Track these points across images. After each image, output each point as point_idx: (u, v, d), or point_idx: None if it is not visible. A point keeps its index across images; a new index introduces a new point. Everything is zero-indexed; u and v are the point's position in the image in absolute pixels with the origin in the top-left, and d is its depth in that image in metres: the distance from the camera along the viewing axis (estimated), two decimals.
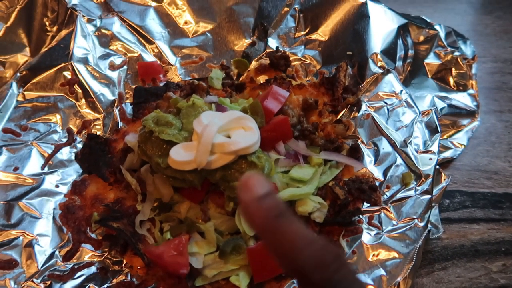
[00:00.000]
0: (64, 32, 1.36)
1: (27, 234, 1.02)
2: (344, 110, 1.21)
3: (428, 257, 1.05)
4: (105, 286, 0.97)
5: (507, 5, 1.67)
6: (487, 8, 1.67)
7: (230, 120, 1.00)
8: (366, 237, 1.00)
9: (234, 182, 0.97)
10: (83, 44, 1.32)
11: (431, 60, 1.38)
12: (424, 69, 1.37)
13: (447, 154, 1.23)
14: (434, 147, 1.13)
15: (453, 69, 1.38)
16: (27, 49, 1.37)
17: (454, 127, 1.28)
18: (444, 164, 1.22)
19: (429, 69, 1.37)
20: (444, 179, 1.14)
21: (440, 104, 1.27)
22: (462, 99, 1.34)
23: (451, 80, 1.37)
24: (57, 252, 1.01)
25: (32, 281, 0.96)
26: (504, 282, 1.01)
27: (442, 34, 1.42)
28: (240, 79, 1.35)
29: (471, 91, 1.36)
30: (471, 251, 1.07)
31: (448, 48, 1.39)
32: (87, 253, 1.03)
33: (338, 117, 1.21)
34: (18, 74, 1.26)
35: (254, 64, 1.36)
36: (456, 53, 1.39)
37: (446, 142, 1.25)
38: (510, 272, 1.03)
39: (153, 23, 1.40)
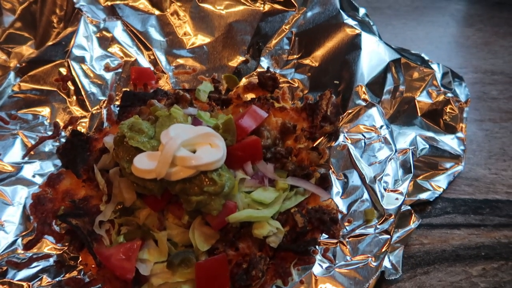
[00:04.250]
0: (68, 30, 1.42)
1: None
2: (322, 138, 1.21)
3: (410, 262, 1.08)
4: (57, 279, 1.00)
5: (488, 18, 1.73)
6: (469, 21, 1.74)
7: (198, 135, 1.02)
8: (317, 268, 1.00)
9: (193, 196, 0.98)
10: (83, 44, 1.38)
11: (423, 99, 1.36)
12: (415, 107, 1.35)
13: (424, 196, 1.21)
14: (403, 187, 1.11)
15: (445, 110, 1.35)
16: (33, 42, 1.44)
17: (435, 169, 1.25)
18: (417, 206, 1.20)
19: (419, 107, 1.36)
20: (413, 222, 1.12)
21: (421, 145, 1.26)
22: (450, 141, 1.31)
23: (441, 121, 1.34)
24: (19, 240, 1.05)
25: None
26: (484, 286, 1.03)
27: (438, 74, 1.40)
28: (228, 94, 1.37)
29: (460, 134, 1.34)
30: (452, 256, 1.09)
31: (442, 89, 1.37)
32: (48, 245, 1.06)
33: (315, 145, 1.21)
34: (18, 65, 1.33)
35: (244, 81, 1.38)
36: (449, 94, 1.37)
37: (425, 183, 1.23)
38: (490, 276, 1.05)
39: (153, 30, 1.45)
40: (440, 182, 1.24)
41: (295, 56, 1.39)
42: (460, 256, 1.09)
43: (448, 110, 1.36)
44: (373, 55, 1.31)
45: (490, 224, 1.16)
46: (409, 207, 1.14)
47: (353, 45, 1.32)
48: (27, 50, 1.43)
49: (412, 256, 1.09)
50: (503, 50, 1.62)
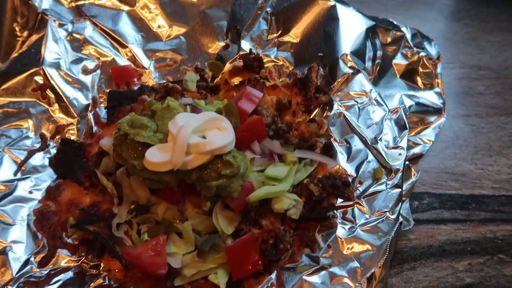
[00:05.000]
0: (34, 37, 1.34)
1: (1, 242, 1.00)
2: (316, 110, 1.25)
3: (397, 257, 1.08)
4: None
5: (475, 13, 1.75)
6: (456, 16, 1.75)
7: (205, 121, 1.02)
8: (341, 231, 1.03)
9: (211, 182, 0.98)
10: (55, 49, 1.31)
11: (399, 61, 1.43)
12: (393, 69, 1.42)
13: (416, 150, 1.28)
14: (403, 143, 1.17)
15: (420, 68, 1.43)
16: None
17: (422, 124, 1.33)
18: (413, 160, 1.27)
19: (397, 69, 1.42)
20: (414, 174, 1.18)
21: (408, 102, 1.33)
22: (429, 97, 1.39)
23: (418, 79, 1.42)
24: (32, 259, 1.00)
25: None
26: (470, 281, 1.05)
27: (408, 36, 1.47)
28: (215, 81, 1.37)
29: (437, 89, 1.42)
30: (439, 251, 1.10)
31: (415, 49, 1.45)
32: (64, 258, 1.02)
33: (311, 117, 1.24)
34: None
35: (228, 66, 1.38)
36: (422, 54, 1.45)
37: (415, 138, 1.30)
38: (476, 271, 1.07)
39: (126, 27, 1.41)
40: (428, 135, 1.32)
41: (274, 35, 1.41)
42: (446, 252, 1.10)
43: (423, 68, 1.44)
44: (351, 24, 1.36)
45: (476, 219, 1.16)
46: (407, 162, 1.20)
47: (330, 17, 1.36)
48: None
49: (399, 252, 1.09)
50: (490, 45, 1.63)
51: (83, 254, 1.03)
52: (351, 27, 1.35)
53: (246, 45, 1.40)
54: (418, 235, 1.13)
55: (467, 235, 1.14)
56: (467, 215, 1.18)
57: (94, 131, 1.24)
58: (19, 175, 1.13)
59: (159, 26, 1.42)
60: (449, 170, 1.27)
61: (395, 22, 1.51)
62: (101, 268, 1.01)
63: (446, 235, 1.13)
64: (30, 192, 1.11)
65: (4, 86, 1.24)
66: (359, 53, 1.33)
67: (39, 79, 1.26)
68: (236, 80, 1.35)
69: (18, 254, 1.00)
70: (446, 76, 1.48)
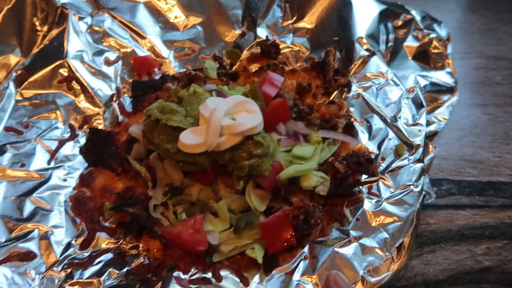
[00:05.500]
0: (55, 31, 1.37)
1: (42, 227, 1.04)
2: (335, 92, 1.29)
3: (417, 241, 1.10)
4: (125, 270, 1.00)
5: (492, 4, 1.78)
6: (473, 7, 1.77)
7: (234, 103, 1.06)
8: (368, 205, 1.08)
9: (243, 162, 1.02)
10: (77, 42, 1.34)
11: (410, 43, 1.48)
12: (404, 51, 1.47)
13: (432, 127, 1.33)
14: (422, 120, 1.22)
15: (431, 49, 1.48)
16: (18, 49, 1.37)
17: (435, 103, 1.38)
18: (429, 137, 1.31)
19: (408, 51, 1.47)
20: (432, 150, 1.22)
21: (423, 82, 1.38)
22: (441, 77, 1.44)
23: (430, 60, 1.47)
24: (73, 242, 1.04)
25: (53, 270, 0.98)
26: (488, 264, 1.08)
27: (418, 18, 1.52)
28: (233, 68, 1.40)
29: (448, 69, 1.47)
30: (457, 235, 1.14)
31: (425, 31, 1.50)
32: (103, 240, 1.06)
33: (331, 99, 1.28)
34: (14, 74, 1.27)
35: (245, 53, 1.42)
36: (432, 35, 1.50)
37: (430, 117, 1.35)
38: (494, 254, 1.10)
39: (143, 18, 1.43)
40: (442, 113, 1.37)
41: (289, 22, 1.44)
42: (465, 236, 1.13)
43: (434, 49, 1.48)
44: (364, 8, 1.40)
45: (494, 205, 1.19)
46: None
47: (344, 2, 1.39)
48: (14, 59, 1.36)
49: (419, 235, 1.12)
50: (507, 36, 1.65)
51: (121, 236, 1.07)
52: (365, 11, 1.39)
53: (262, 32, 1.43)
54: (437, 220, 1.17)
55: (485, 220, 1.17)
56: (485, 201, 1.21)
57: (120, 120, 1.28)
58: (52, 164, 1.16)
59: (175, 17, 1.45)
60: (467, 158, 1.30)
61: (404, 5, 1.55)
62: (140, 249, 1.05)
63: (464, 220, 1.17)
64: (64, 180, 1.14)
65: (31, 79, 1.26)
66: (373, 36, 1.38)
67: (63, 71, 1.29)
68: (254, 67, 1.39)
69: (60, 238, 1.04)
70: (463, 66, 1.52)
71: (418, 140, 1.16)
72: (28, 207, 1.06)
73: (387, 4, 1.48)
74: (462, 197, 1.22)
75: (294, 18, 1.45)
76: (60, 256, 1.00)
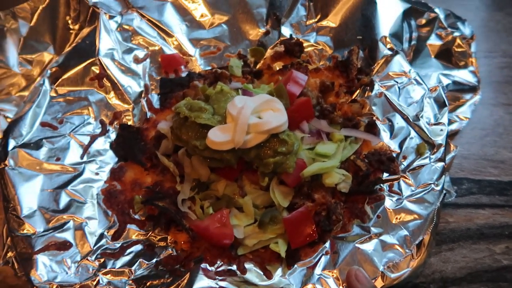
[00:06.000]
0: (86, 30, 1.42)
1: (77, 218, 1.10)
2: (358, 91, 1.31)
3: (436, 238, 1.10)
4: (154, 260, 1.05)
5: None
6: (498, 5, 1.74)
7: (261, 102, 1.09)
8: (388, 202, 1.10)
9: (268, 159, 1.06)
10: (108, 40, 1.39)
11: (433, 41, 1.48)
12: (427, 50, 1.47)
13: (454, 126, 1.34)
14: (444, 119, 1.23)
15: (454, 48, 1.48)
16: (51, 47, 1.44)
17: (457, 101, 1.38)
18: (450, 136, 1.32)
19: (431, 50, 1.47)
20: (453, 149, 1.24)
21: (445, 81, 1.38)
22: (464, 75, 1.44)
23: (453, 59, 1.47)
24: (105, 233, 1.10)
25: (87, 259, 1.04)
26: (507, 263, 1.09)
27: (441, 16, 1.51)
28: (258, 66, 1.43)
29: (471, 68, 1.46)
30: (477, 234, 1.15)
31: (448, 29, 1.49)
32: (134, 232, 1.11)
33: (353, 97, 1.30)
34: (49, 71, 1.32)
35: (269, 52, 1.45)
36: (456, 34, 1.49)
37: (452, 116, 1.36)
38: None
39: (171, 17, 1.48)
40: (465, 112, 1.37)
41: (313, 20, 1.46)
42: (484, 235, 1.13)
43: (457, 48, 1.48)
44: (388, 7, 1.41)
45: None
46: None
47: (368, 1, 1.41)
48: (48, 56, 1.42)
49: (438, 234, 1.12)
50: None
51: (150, 228, 1.12)
52: (389, 10, 1.40)
53: (286, 31, 1.46)
54: (456, 219, 1.18)
55: (505, 219, 1.17)
56: (505, 201, 1.21)
57: (148, 116, 1.33)
58: (85, 158, 1.22)
59: (201, 15, 1.49)
60: (489, 157, 1.30)
61: (428, 4, 1.55)
62: (168, 241, 1.10)
63: (484, 219, 1.17)
64: (96, 174, 1.20)
65: (65, 77, 1.32)
66: (397, 35, 1.38)
67: (95, 69, 1.34)
68: (278, 65, 1.42)
69: (93, 229, 1.09)
70: (488, 65, 1.50)
71: (440, 140, 1.18)
72: (64, 199, 1.12)
73: (411, 2, 1.48)
74: (482, 196, 1.23)
75: (318, 17, 1.46)
76: (94, 246, 1.06)
